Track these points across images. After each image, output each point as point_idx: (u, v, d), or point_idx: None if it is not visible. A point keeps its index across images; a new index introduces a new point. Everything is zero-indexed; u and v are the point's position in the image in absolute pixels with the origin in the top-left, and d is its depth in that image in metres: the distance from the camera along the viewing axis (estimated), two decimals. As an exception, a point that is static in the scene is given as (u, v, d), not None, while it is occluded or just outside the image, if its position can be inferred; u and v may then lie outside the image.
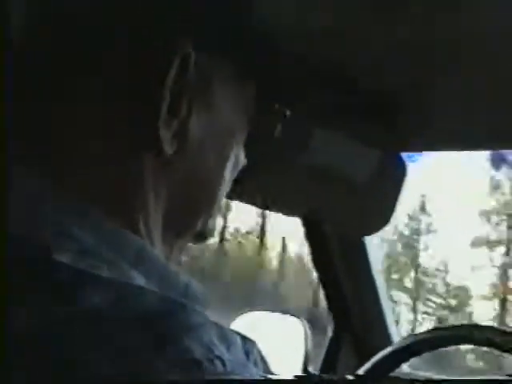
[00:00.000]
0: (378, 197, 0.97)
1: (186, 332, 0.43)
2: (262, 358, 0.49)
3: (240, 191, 1.02)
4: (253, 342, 0.49)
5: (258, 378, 0.45)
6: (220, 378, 0.42)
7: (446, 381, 0.65)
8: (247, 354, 0.47)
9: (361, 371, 1.00)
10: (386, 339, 1.28)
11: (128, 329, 0.42)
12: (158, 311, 0.44)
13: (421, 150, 1.02)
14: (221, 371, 0.42)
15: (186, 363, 0.42)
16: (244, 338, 0.48)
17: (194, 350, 0.42)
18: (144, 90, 0.49)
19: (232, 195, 1.02)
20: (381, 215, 0.97)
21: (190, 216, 0.56)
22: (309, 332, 1.30)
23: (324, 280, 1.29)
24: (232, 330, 0.48)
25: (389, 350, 1.02)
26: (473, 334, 0.97)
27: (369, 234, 1.09)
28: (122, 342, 0.41)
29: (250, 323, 1.29)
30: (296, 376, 0.44)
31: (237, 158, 0.60)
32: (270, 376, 0.48)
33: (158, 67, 0.49)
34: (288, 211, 1.17)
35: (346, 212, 1.02)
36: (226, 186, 0.59)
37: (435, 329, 1.05)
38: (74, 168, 0.50)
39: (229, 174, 0.59)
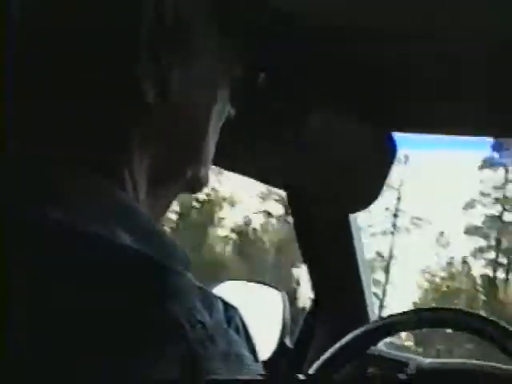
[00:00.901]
0: (367, 174, 0.97)
1: (169, 295, 0.43)
2: (244, 325, 0.49)
3: (230, 159, 1.02)
4: (235, 309, 0.49)
5: (238, 343, 0.46)
6: (201, 342, 0.42)
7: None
8: (229, 320, 0.47)
9: (323, 358, 1.01)
10: (364, 318, 1.30)
11: (111, 290, 0.42)
12: (143, 273, 0.44)
13: (412, 131, 1.02)
14: (202, 336, 0.43)
15: (168, 326, 0.42)
16: (226, 304, 0.48)
17: (176, 313, 0.42)
18: (122, 38, 0.49)
19: (220, 163, 1.02)
20: (368, 193, 0.98)
21: (177, 164, 0.56)
22: (287, 304, 1.31)
23: (307, 256, 1.30)
24: (215, 295, 0.48)
25: (365, 328, 1.04)
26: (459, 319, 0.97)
27: (355, 211, 1.09)
28: (106, 303, 0.41)
29: (229, 292, 1.29)
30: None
31: (222, 109, 0.60)
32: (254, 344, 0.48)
33: (133, 10, 0.49)
34: (274, 182, 1.17)
35: (332, 187, 1.02)
36: (213, 135, 0.59)
37: (418, 310, 1.06)
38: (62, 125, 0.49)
39: (215, 124, 0.59)
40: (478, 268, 15.54)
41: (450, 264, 15.88)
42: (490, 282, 14.91)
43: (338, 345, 1.01)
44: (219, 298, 0.48)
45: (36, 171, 0.47)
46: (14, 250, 0.42)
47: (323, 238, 1.26)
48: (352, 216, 1.23)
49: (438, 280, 16.00)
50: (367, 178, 0.98)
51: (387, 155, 0.98)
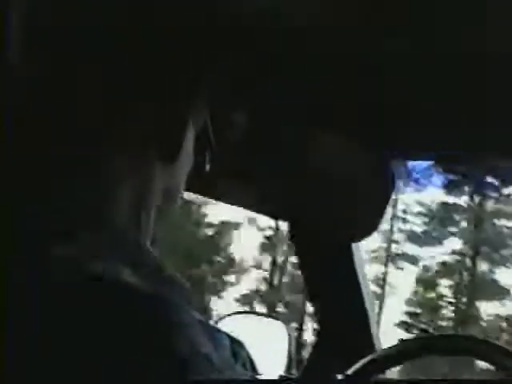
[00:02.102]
0: (368, 202, 0.97)
1: (172, 330, 0.43)
2: (250, 360, 0.49)
3: (231, 193, 1.02)
4: (241, 343, 0.49)
5: (246, 378, 0.46)
6: (208, 377, 0.42)
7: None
8: (235, 354, 0.47)
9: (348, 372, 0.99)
10: (368, 343, 1.29)
11: (116, 325, 0.42)
12: (146, 308, 0.44)
13: (412, 158, 1.02)
14: (208, 370, 0.43)
15: (172, 362, 0.42)
16: (232, 339, 0.48)
17: (180, 348, 0.42)
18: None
19: (224, 198, 1.02)
20: (369, 221, 0.98)
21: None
22: (292, 336, 1.31)
23: (309, 283, 1.29)
24: (219, 330, 0.48)
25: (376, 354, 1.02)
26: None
27: (357, 240, 1.09)
28: (111, 340, 0.41)
29: (235, 325, 1.29)
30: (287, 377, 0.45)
31: None
32: (260, 377, 0.48)
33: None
34: (276, 214, 1.17)
35: (334, 217, 1.02)
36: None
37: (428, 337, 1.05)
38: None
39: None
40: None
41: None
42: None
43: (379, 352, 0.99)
44: (224, 333, 0.48)
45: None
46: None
47: (325, 267, 1.25)
48: (355, 244, 1.23)
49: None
50: (368, 206, 0.98)
51: (388, 182, 0.98)
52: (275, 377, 1.22)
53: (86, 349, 0.40)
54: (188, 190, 0.64)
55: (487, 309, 14.65)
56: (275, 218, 1.25)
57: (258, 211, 1.15)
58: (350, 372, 0.93)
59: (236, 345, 0.48)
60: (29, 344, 0.40)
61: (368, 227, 0.98)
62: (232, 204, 1.12)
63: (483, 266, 14.91)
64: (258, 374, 0.49)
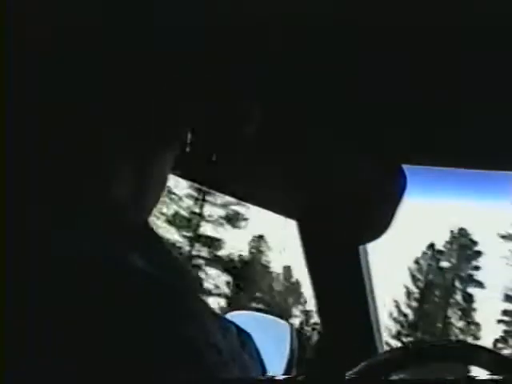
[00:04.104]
0: (377, 205, 0.98)
1: (184, 318, 0.44)
2: (257, 350, 0.50)
3: (244, 192, 1.02)
4: (248, 334, 0.49)
5: (252, 368, 0.46)
6: (216, 365, 0.42)
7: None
8: (243, 344, 0.48)
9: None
10: (371, 346, 1.29)
11: (122, 310, 0.42)
12: (158, 296, 0.44)
13: (422, 164, 1.02)
14: (216, 359, 0.43)
15: (183, 349, 0.42)
16: (240, 330, 0.49)
17: (191, 336, 0.43)
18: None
19: (236, 195, 1.02)
20: (378, 224, 0.98)
21: None
22: (294, 335, 1.30)
23: (315, 283, 1.29)
24: (229, 320, 0.48)
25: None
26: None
27: (365, 242, 1.09)
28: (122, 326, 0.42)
29: (238, 322, 1.29)
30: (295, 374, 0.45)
31: None
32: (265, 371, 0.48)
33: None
34: (286, 213, 1.17)
35: (344, 219, 1.02)
36: None
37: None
38: None
39: None
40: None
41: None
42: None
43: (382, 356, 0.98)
44: (232, 322, 0.49)
45: None
46: None
47: (332, 268, 1.26)
48: (362, 247, 1.23)
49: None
50: (378, 209, 0.99)
51: (398, 187, 0.98)
52: (277, 375, 1.22)
53: (93, 333, 0.41)
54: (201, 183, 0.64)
55: None
56: (285, 216, 1.25)
57: (270, 209, 1.15)
58: (351, 373, 0.93)
59: (243, 335, 0.48)
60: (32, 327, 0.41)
61: (377, 229, 0.98)
62: (244, 200, 1.12)
63: None
64: (263, 365, 0.50)
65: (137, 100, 0.50)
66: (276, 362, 1.26)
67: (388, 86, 0.81)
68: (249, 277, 15.67)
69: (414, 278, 15.84)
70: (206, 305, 0.47)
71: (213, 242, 15.22)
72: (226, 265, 15.42)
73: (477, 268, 15.56)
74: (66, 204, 0.47)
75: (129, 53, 0.50)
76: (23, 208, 0.46)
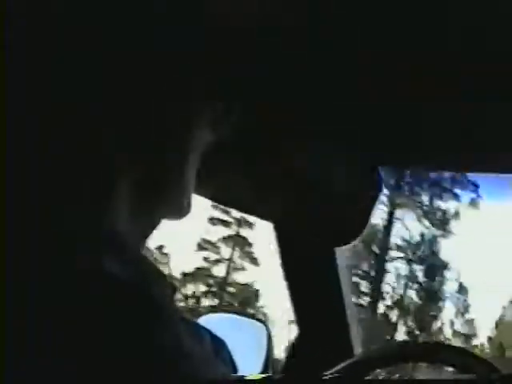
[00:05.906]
0: (352, 206, 0.98)
1: (155, 326, 0.43)
2: (230, 357, 0.49)
3: (217, 192, 1.02)
4: (222, 341, 0.49)
5: (225, 375, 0.46)
6: (187, 375, 0.42)
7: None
8: (216, 352, 0.47)
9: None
10: (347, 347, 1.29)
11: (96, 316, 0.42)
12: (126, 299, 0.44)
13: (400, 166, 1.03)
14: (188, 369, 0.43)
15: (156, 357, 0.42)
16: (214, 337, 0.48)
17: (163, 345, 0.42)
18: None
19: (208, 196, 1.02)
20: (353, 227, 0.98)
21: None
22: (271, 336, 1.31)
23: (291, 286, 1.30)
24: (201, 326, 0.48)
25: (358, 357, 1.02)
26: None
27: (342, 243, 1.10)
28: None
29: (214, 324, 1.28)
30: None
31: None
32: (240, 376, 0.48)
33: None
34: (262, 215, 1.17)
35: (319, 221, 1.03)
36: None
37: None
38: None
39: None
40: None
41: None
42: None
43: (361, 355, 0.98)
44: (206, 329, 0.48)
45: None
46: None
47: (308, 269, 1.26)
48: (339, 250, 1.23)
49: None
50: (353, 208, 0.99)
51: (373, 188, 0.99)
52: (254, 376, 1.22)
53: (69, 339, 0.40)
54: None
55: None
56: (260, 218, 1.25)
57: (245, 211, 1.15)
58: (328, 373, 0.93)
59: (217, 342, 0.48)
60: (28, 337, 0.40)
61: (353, 230, 0.99)
62: (224, 204, 1.12)
63: None
64: (237, 372, 0.49)
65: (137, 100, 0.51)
66: (253, 363, 1.26)
67: (361, 86, 0.81)
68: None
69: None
70: (179, 312, 0.47)
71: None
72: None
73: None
74: (66, 204, 0.47)
75: (129, 53, 0.50)
76: (23, 208, 0.45)
